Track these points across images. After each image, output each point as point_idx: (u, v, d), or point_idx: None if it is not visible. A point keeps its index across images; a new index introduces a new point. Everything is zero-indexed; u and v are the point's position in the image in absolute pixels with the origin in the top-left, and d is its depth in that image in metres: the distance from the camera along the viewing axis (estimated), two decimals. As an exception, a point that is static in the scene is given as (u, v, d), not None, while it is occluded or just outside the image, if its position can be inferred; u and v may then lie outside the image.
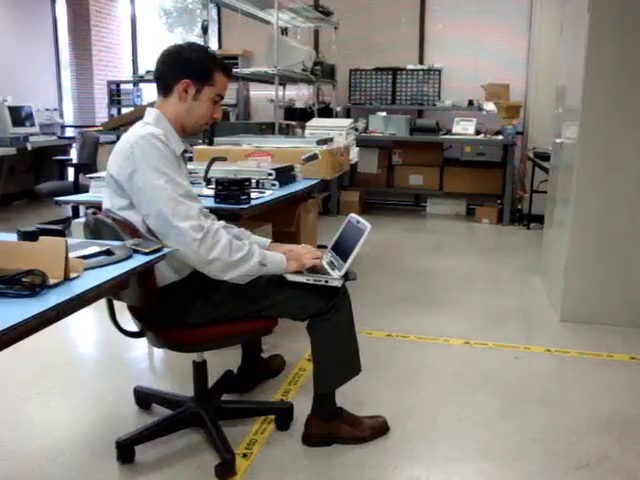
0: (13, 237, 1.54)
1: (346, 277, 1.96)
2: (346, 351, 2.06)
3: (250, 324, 1.99)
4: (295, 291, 1.94)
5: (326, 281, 1.93)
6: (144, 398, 2.35)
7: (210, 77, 1.91)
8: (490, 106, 6.23)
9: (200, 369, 2.10)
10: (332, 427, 2.09)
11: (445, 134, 6.48)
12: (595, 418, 2.30)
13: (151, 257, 1.58)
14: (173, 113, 1.92)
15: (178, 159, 1.90)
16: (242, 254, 1.80)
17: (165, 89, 1.93)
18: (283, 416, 2.20)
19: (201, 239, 1.73)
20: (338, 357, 2.04)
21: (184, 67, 1.90)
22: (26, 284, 1.26)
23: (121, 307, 2.01)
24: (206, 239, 1.74)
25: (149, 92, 6.97)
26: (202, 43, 4.70)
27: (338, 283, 1.94)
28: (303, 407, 2.15)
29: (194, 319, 1.92)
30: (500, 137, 6.09)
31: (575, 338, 3.12)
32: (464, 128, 6.36)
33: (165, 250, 1.67)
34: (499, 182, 6.38)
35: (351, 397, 2.21)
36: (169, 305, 1.90)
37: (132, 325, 2.05)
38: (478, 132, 6.32)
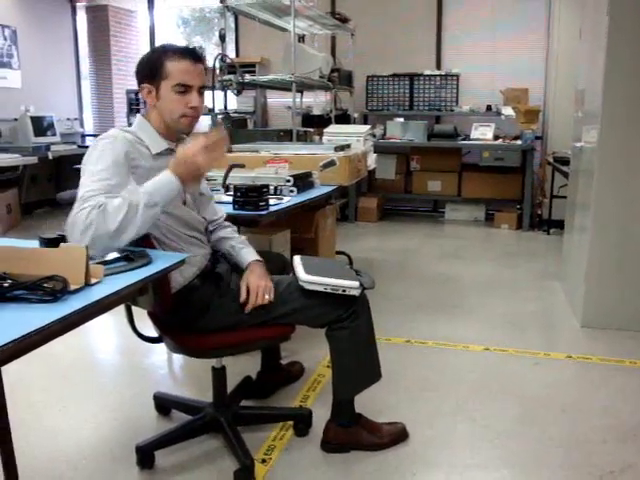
0: (35, 244, 1.56)
1: (363, 286, 1.95)
2: (365, 358, 2.05)
3: (266, 331, 1.98)
4: (312, 299, 1.93)
5: (343, 290, 1.91)
6: (163, 404, 2.36)
7: (160, 71, 1.83)
8: (508, 111, 6.19)
9: (219, 375, 2.11)
10: (351, 433, 2.08)
11: (463, 139, 6.45)
12: (618, 426, 2.26)
13: (170, 263, 1.59)
14: (154, 118, 1.90)
15: (154, 157, 1.85)
16: (121, 218, 1.57)
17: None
18: (302, 422, 2.20)
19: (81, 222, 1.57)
20: (357, 364, 2.03)
21: (139, 74, 1.89)
22: (47, 290, 1.27)
23: (140, 313, 2.03)
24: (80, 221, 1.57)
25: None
26: (220, 51, 4.74)
27: (356, 292, 1.92)
28: (322, 413, 2.15)
29: (210, 325, 1.92)
30: (519, 142, 6.05)
31: (597, 344, 3.08)
32: (482, 133, 6.33)
33: (183, 256, 1.68)
34: (518, 187, 6.33)
35: (370, 404, 2.20)
36: (185, 310, 1.91)
37: (150, 331, 2.06)
38: (496, 137, 6.28)
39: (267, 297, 1.90)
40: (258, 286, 1.91)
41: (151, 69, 1.85)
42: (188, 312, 1.91)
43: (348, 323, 1.95)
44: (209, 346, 1.95)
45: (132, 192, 1.65)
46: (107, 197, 1.61)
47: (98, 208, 1.57)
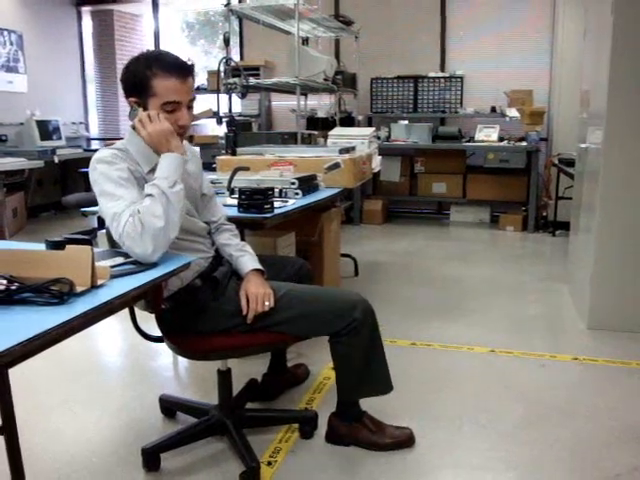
0: (41, 247, 1.57)
1: None
2: (368, 371, 2.03)
3: (262, 337, 1.94)
4: (309, 309, 1.91)
5: None
6: (169, 406, 2.37)
7: (147, 88, 1.77)
8: (513, 112, 6.19)
9: (224, 378, 2.11)
10: (351, 429, 2.09)
11: (468, 141, 6.45)
12: (624, 428, 2.25)
13: (175, 266, 1.60)
14: None
15: (147, 174, 1.84)
16: (161, 210, 1.65)
17: None
18: (307, 424, 2.20)
19: (132, 240, 1.62)
20: (358, 375, 2.02)
21: (127, 84, 1.82)
22: (54, 292, 1.28)
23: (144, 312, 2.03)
24: (135, 237, 1.62)
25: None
26: (224, 55, 4.75)
27: None
28: (327, 415, 2.15)
29: (205, 327, 1.92)
30: (524, 143, 6.04)
31: (603, 346, 3.07)
32: (487, 135, 6.32)
33: (189, 259, 1.69)
34: (523, 189, 6.33)
35: (375, 405, 2.20)
36: (182, 311, 1.91)
37: (153, 330, 2.06)
38: (501, 139, 6.28)
39: (267, 304, 1.89)
40: (257, 294, 1.90)
41: (136, 84, 1.79)
42: (185, 313, 1.92)
43: (347, 339, 1.93)
44: (204, 349, 1.94)
45: (148, 187, 1.71)
46: (135, 205, 1.67)
47: (138, 213, 1.63)
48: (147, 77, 1.77)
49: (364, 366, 2.02)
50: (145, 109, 1.80)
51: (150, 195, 1.68)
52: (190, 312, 1.92)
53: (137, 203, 1.68)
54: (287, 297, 1.93)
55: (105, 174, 1.75)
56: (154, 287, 1.56)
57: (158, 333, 2.05)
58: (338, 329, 1.92)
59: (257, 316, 1.89)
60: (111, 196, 1.71)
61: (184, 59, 1.85)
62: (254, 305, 1.89)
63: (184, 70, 1.80)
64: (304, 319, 1.91)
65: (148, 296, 1.62)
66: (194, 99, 1.87)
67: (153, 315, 1.97)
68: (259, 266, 2.04)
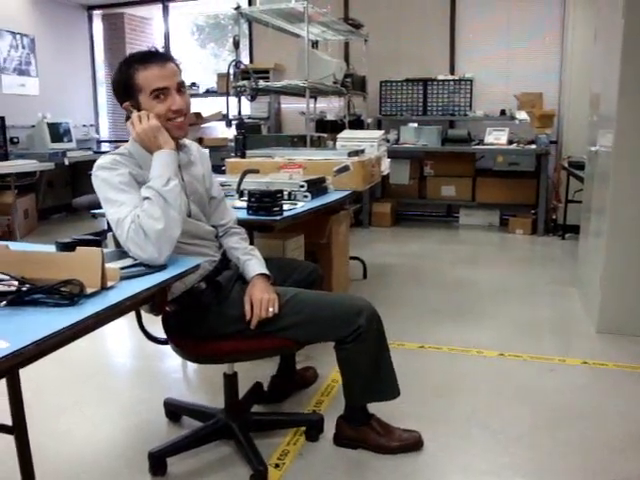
0: (52, 248, 1.58)
1: None
2: (374, 377, 2.02)
3: (266, 342, 1.93)
4: (314, 315, 1.90)
5: None
6: (174, 410, 2.36)
7: (134, 85, 1.81)
8: (523, 115, 6.16)
9: (231, 381, 2.11)
10: (358, 432, 2.09)
11: (477, 144, 6.42)
12: (635, 432, 2.24)
13: (184, 268, 1.60)
14: None
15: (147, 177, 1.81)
16: (159, 211, 1.66)
17: None
18: (313, 428, 2.20)
19: (138, 245, 1.63)
20: (364, 381, 2.02)
21: (117, 91, 1.86)
22: (65, 293, 1.29)
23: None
24: (139, 240, 1.63)
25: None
26: (234, 57, 4.77)
27: None
28: (335, 418, 2.15)
29: (208, 331, 1.92)
30: (533, 146, 6.02)
31: (613, 350, 3.05)
32: (496, 138, 6.30)
33: (198, 261, 1.69)
34: (533, 192, 6.29)
35: (384, 408, 2.19)
36: (186, 314, 1.91)
37: (160, 332, 2.07)
38: (511, 142, 6.25)
39: (271, 310, 1.88)
40: (261, 299, 1.89)
41: (125, 87, 1.83)
42: (189, 316, 1.92)
43: (352, 345, 1.92)
44: (208, 353, 1.94)
45: (144, 190, 1.71)
46: (137, 210, 1.68)
47: (138, 218, 1.65)
48: (130, 76, 1.81)
49: (370, 372, 2.01)
50: (139, 110, 1.82)
51: (147, 198, 1.69)
52: (194, 316, 1.92)
53: (139, 207, 1.69)
54: (292, 302, 1.93)
55: (106, 181, 1.76)
56: (160, 289, 1.57)
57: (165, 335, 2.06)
58: (343, 335, 1.92)
59: (261, 322, 1.88)
60: (113, 202, 1.73)
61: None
62: (258, 311, 1.88)
63: (160, 56, 1.84)
64: (309, 325, 1.91)
65: (156, 298, 1.62)
66: (182, 82, 1.88)
67: (160, 317, 1.98)
68: (265, 271, 2.03)
